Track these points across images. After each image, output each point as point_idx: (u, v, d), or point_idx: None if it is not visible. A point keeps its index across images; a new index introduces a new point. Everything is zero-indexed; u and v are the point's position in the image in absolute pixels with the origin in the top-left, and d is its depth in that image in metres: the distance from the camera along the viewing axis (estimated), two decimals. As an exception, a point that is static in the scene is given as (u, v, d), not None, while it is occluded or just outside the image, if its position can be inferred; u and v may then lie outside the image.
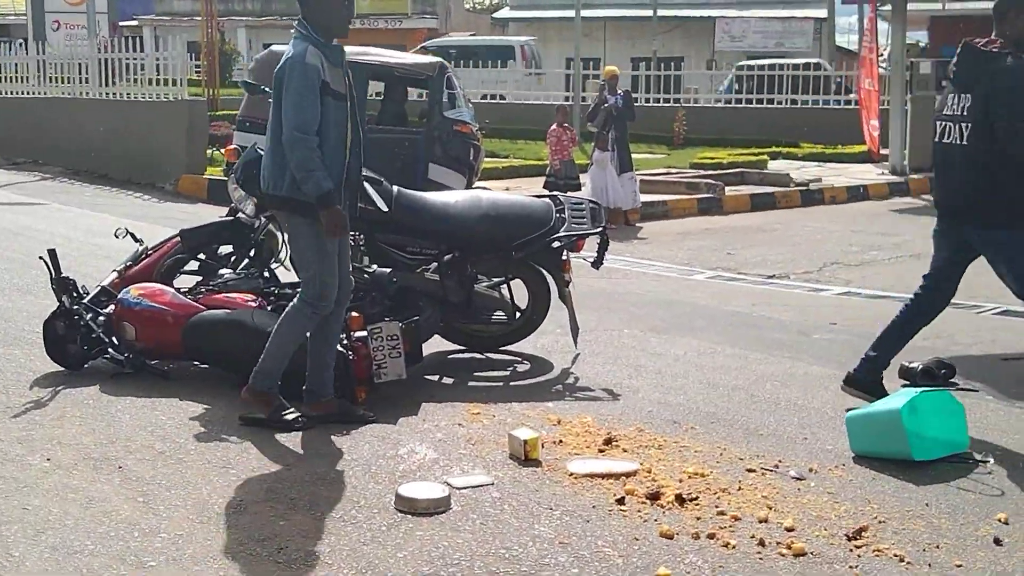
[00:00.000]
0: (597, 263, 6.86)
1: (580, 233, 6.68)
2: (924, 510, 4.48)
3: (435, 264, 6.63)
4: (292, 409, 5.44)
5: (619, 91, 14.35)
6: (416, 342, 6.14)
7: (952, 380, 6.21)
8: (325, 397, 5.53)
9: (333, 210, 5.17)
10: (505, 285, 6.96)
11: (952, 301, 5.95)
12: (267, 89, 7.11)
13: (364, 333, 5.83)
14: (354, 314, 5.93)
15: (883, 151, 20.29)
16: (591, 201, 7.11)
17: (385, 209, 6.26)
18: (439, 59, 14.03)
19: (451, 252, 6.54)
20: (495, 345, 6.96)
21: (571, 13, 27.26)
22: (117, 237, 7.07)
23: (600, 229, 6.72)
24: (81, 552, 3.94)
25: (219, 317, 6.05)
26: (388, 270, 6.38)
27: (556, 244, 6.62)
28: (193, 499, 4.46)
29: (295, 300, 5.47)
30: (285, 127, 5.17)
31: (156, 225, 11.02)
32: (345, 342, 5.77)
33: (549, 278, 6.81)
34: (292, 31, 5.40)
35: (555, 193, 7.11)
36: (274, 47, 14.08)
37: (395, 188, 6.59)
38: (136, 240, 7.02)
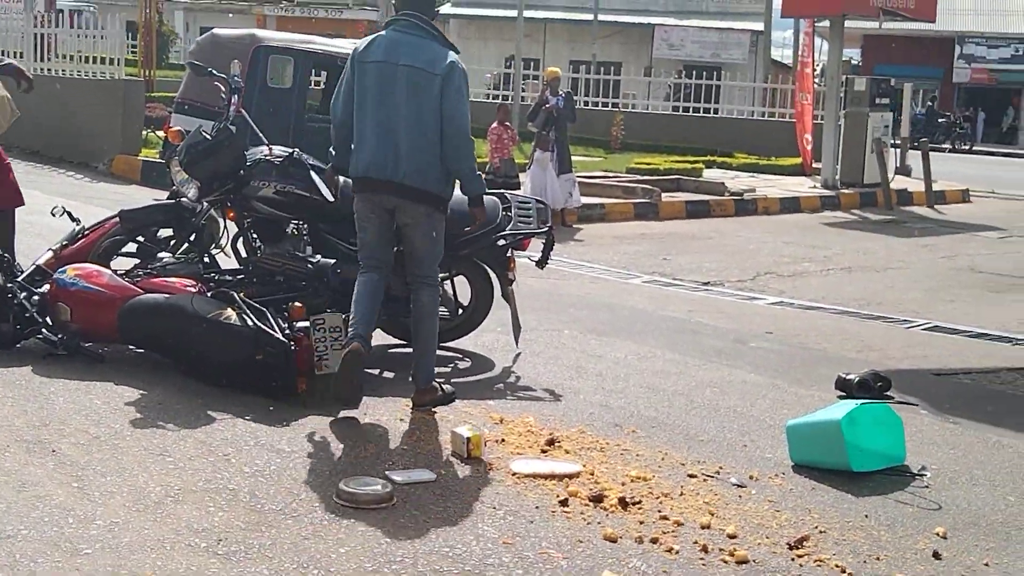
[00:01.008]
0: (542, 263, 6.86)
1: (527, 232, 6.68)
2: (864, 521, 4.52)
3: None
4: (445, 386, 5.68)
5: (561, 92, 14.38)
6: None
7: (887, 393, 6.33)
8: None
9: (483, 207, 5.64)
10: (448, 281, 6.92)
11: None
12: (213, 71, 7.05)
13: (306, 324, 5.76)
14: (296, 304, 5.86)
15: (815, 165, 20.55)
16: (538, 200, 7.11)
17: (331, 199, 6.18)
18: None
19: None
20: (441, 340, 6.90)
21: (512, 13, 27.29)
22: (54, 215, 6.91)
23: (547, 229, 6.72)
24: (14, 537, 3.83)
25: (158, 301, 5.93)
26: (332, 261, 6.31)
27: (502, 242, 6.59)
28: (129, 486, 4.36)
29: (424, 291, 5.59)
30: (457, 129, 5.38)
31: (89, 205, 10.80)
32: (287, 332, 5.69)
33: (493, 276, 6.79)
34: (410, 29, 5.45)
35: (502, 191, 7.08)
36: (216, 30, 13.86)
37: (341, 178, 6.52)
38: (73, 219, 6.86)
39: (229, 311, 5.76)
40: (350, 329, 5.48)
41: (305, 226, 6.54)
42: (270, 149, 6.56)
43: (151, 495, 4.29)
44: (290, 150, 6.56)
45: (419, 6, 5.51)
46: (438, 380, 5.72)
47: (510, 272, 6.75)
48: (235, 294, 5.93)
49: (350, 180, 5.70)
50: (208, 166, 6.37)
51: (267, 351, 5.58)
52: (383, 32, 5.57)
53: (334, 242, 6.52)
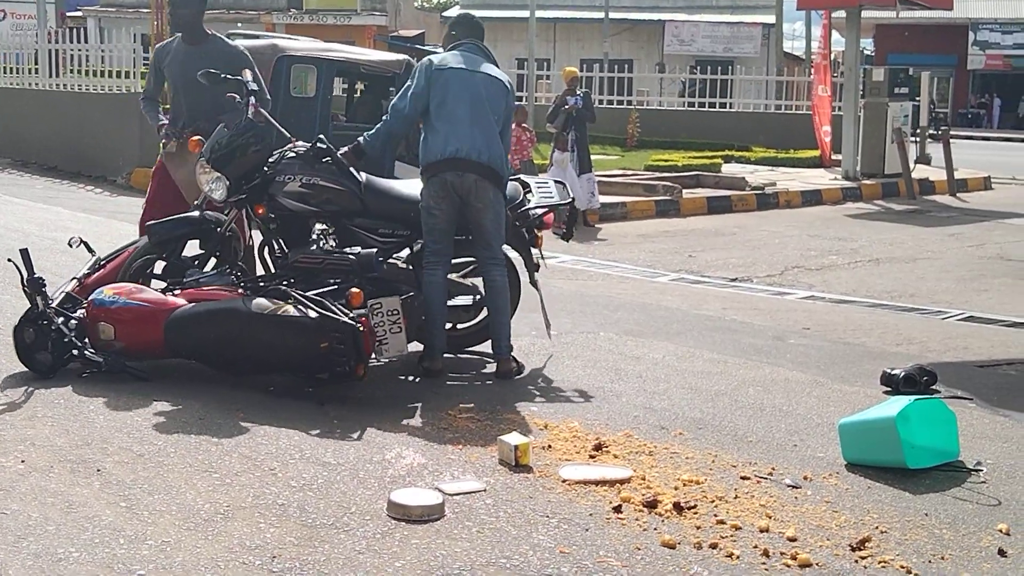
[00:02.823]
0: (567, 235, 7.25)
1: (550, 204, 6.83)
2: (924, 520, 4.43)
3: (407, 252, 6.62)
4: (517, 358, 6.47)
5: (578, 92, 14.30)
6: (415, 317, 6.09)
7: (934, 387, 6.24)
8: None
9: None
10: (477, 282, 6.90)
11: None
12: (227, 77, 7.03)
13: (364, 310, 5.74)
14: (354, 290, 5.83)
15: (834, 156, 20.44)
16: (556, 181, 7.28)
17: (359, 179, 6.45)
18: (405, 56, 13.87)
19: (420, 238, 6.47)
20: (463, 344, 6.85)
21: (521, 13, 27.22)
22: (71, 246, 6.86)
23: (569, 200, 6.96)
24: (66, 560, 3.77)
25: (207, 308, 5.86)
26: (374, 250, 6.26)
27: (527, 215, 6.69)
28: (177, 504, 4.30)
29: (495, 269, 6.39)
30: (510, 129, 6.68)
31: (112, 220, 10.81)
32: (352, 316, 5.66)
33: (520, 268, 6.77)
34: (473, 51, 6.46)
35: (519, 176, 7.08)
36: (237, 41, 13.80)
37: (363, 175, 6.54)
38: (90, 251, 6.80)
39: (286, 306, 5.73)
40: (433, 341, 6.32)
41: (331, 225, 6.51)
42: (294, 143, 6.56)
43: (200, 513, 4.23)
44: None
45: (477, 34, 6.63)
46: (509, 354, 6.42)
47: (537, 250, 6.81)
48: (288, 289, 5.88)
49: (370, 177, 6.48)
50: (235, 159, 6.39)
51: (332, 337, 5.57)
52: (450, 51, 6.50)
53: (362, 235, 6.49)
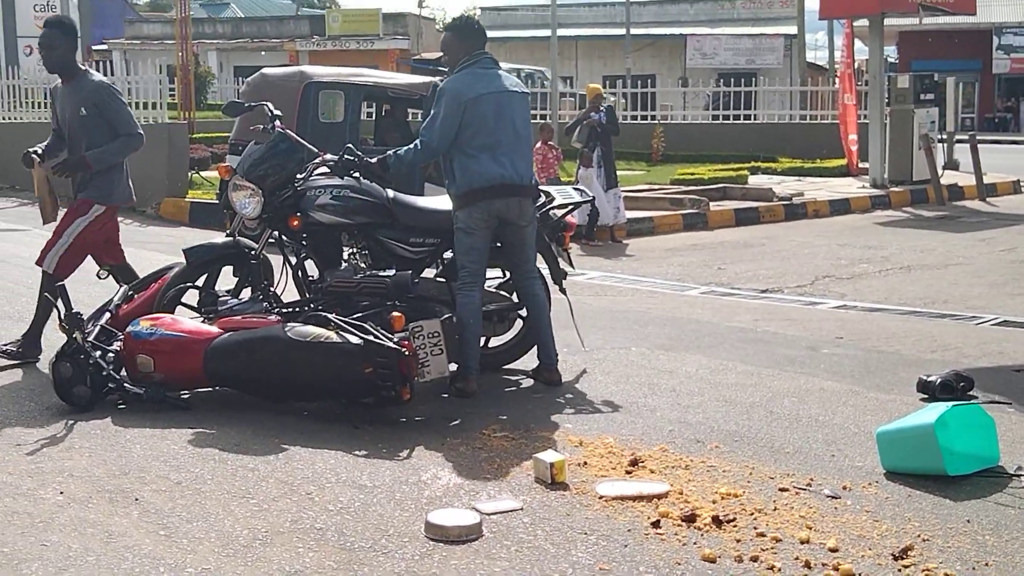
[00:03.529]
0: (589, 232, 7.85)
1: (573, 202, 7.08)
2: (967, 527, 4.39)
3: (439, 267, 6.72)
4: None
5: (602, 107, 14.30)
6: (453, 337, 6.11)
7: (971, 393, 6.18)
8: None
9: None
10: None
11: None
12: (251, 105, 7.19)
13: (406, 333, 5.78)
14: (396, 314, 5.85)
15: (861, 164, 20.35)
16: (575, 188, 7.59)
17: (386, 190, 6.65)
18: (431, 79, 13.94)
19: (450, 247, 6.55)
20: (498, 362, 6.86)
21: (542, 32, 27.26)
22: (99, 278, 6.90)
23: (591, 198, 7.34)
24: (107, 590, 3.79)
25: (247, 336, 5.88)
26: (408, 272, 6.29)
27: (549, 217, 6.82)
28: (216, 531, 4.31)
29: (536, 284, 6.58)
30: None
31: (143, 250, 10.86)
32: (395, 340, 5.68)
33: (547, 277, 6.83)
34: (491, 65, 6.45)
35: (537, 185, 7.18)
36: (265, 70, 13.99)
37: (389, 191, 6.66)
38: (118, 282, 6.85)
39: (327, 332, 5.74)
40: (468, 362, 6.30)
41: (362, 240, 6.56)
42: (323, 157, 6.64)
43: (239, 539, 4.23)
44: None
45: (484, 41, 6.55)
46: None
47: (566, 251, 6.97)
48: (328, 315, 5.90)
49: (396, 192, 6.63)
50: (267, 171, 6.52)
51: (377, 362, 5.58)
52: (467, 71, 6.37)
53: (391, 245, 6.57)
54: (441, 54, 7.17)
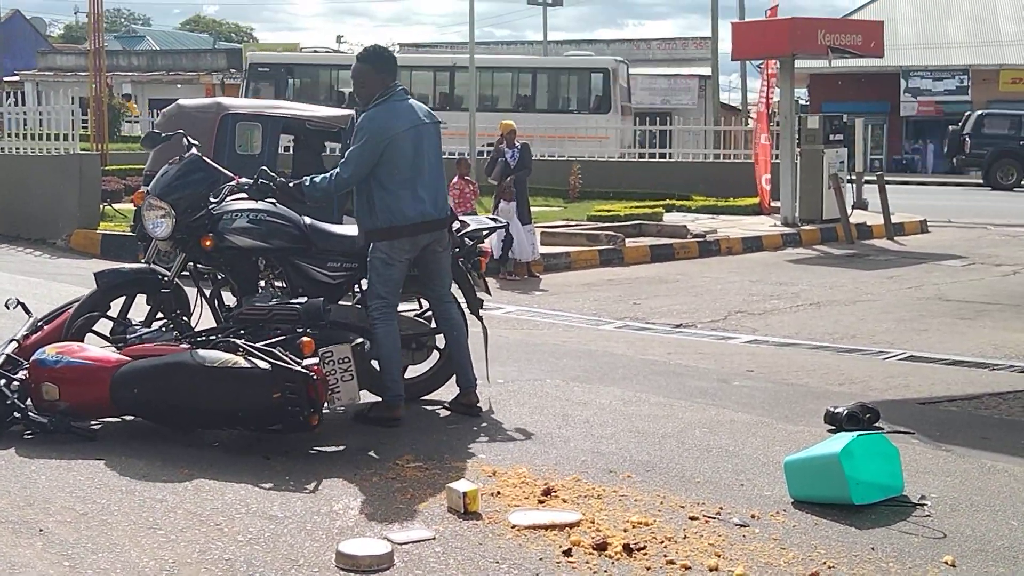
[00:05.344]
0: (503, 258, 7.92)
1: (488, 228, 7.22)
2: (871, 554, 4.47)
3: (358, 295, 6.74)
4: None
5: (516, 144, 14.37)
6: (365, 363, 6.11)
7: (876, 424, 6.31)
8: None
9: None
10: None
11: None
12: (166, 135, 7.19)
13: (316, 359, 5.72)
14: (305, 339, 5.80)
15: (773, 203, 20.70)
16: (489, 218, 7.71)
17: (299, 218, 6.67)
18: (349, 112, 13.93)
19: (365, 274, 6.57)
20: (416, 393, 6.84)
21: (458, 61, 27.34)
22: (8, 308, 6.78)
23: (504, 224, 7.55)
24: (8, 622, 3.71)
25: (154, 363, 5.79)
26: (320, 299, 6.25)
27: (463, 243, 6.89)
28: (122, 562, 4.23)
29: (452, 308, 6.65)
30: None
31: (52, 281, 10.69)
32: (304, 366, 5.63)
33: (464, 307, 6.86)
34: (404, 96, 6.49)
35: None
36: (181, 101, 13.89)
37: (304, 218, 6.69)
38: (27, 312, 6.73)
39: (235, 357, 5.68)
40: (395, 389, 6.36)
41: (279, 266, 6.55)
42: (237, 180, 6.63)
43: (146, 570, 4.16)
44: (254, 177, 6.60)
45: (396, 70, 6.55)
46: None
47: (480, 276, 7.04)
48: (237, 341, 5.84)
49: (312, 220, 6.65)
50: (180, 191, 6.49)
51: (285, 387, 5.53)
52: (384, 106, 6.36)
53: (308, 270, 6.59)
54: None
